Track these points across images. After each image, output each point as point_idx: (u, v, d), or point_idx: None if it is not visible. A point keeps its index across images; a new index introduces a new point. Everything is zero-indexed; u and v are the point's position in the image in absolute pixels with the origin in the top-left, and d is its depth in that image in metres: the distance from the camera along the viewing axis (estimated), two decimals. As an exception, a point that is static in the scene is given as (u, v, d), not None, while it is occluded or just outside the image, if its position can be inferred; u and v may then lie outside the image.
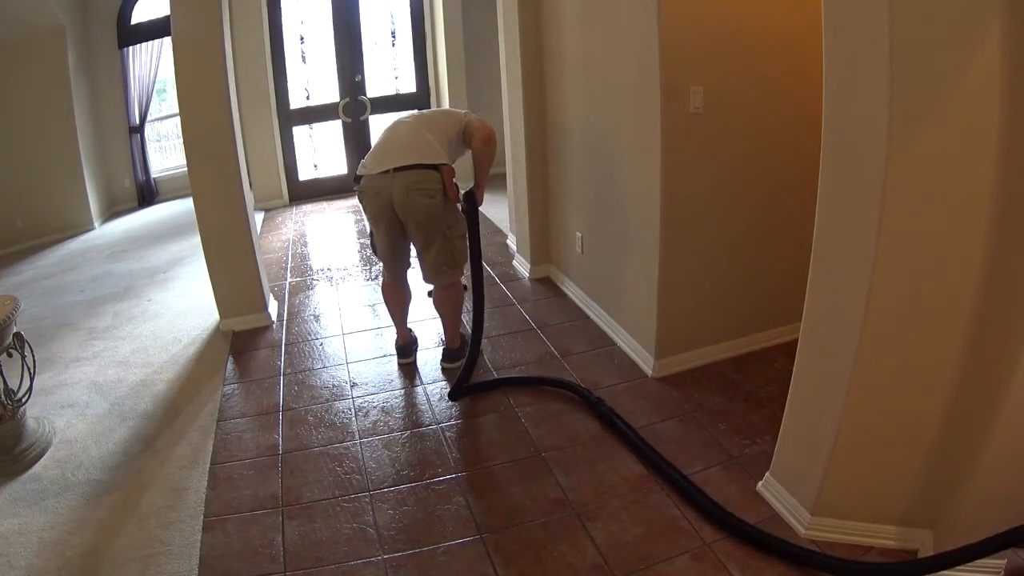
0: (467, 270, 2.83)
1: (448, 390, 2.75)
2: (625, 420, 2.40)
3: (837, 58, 1.56)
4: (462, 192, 2.66)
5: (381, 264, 2.86)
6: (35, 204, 5.44)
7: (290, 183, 6.06)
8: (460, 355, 2.93)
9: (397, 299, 2.93)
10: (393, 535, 1.99)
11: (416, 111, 2.82)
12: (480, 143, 2.67)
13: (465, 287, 2.91)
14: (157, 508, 2.15)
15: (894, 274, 1.54)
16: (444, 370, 2.92)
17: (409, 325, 3.06)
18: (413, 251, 2.78)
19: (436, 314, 2.95)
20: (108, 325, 3.67)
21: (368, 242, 2.87)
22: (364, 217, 5.00)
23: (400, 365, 2.99)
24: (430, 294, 2.92)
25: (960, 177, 1.47)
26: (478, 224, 2.73)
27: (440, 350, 3.06)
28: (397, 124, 2.74)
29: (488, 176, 2.79)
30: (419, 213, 2.54)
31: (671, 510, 2.01)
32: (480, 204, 2.76)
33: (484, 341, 3.13)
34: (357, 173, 2.63)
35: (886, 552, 1.80)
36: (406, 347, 3.00)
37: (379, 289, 3.80)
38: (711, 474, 2.14)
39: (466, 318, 3.18)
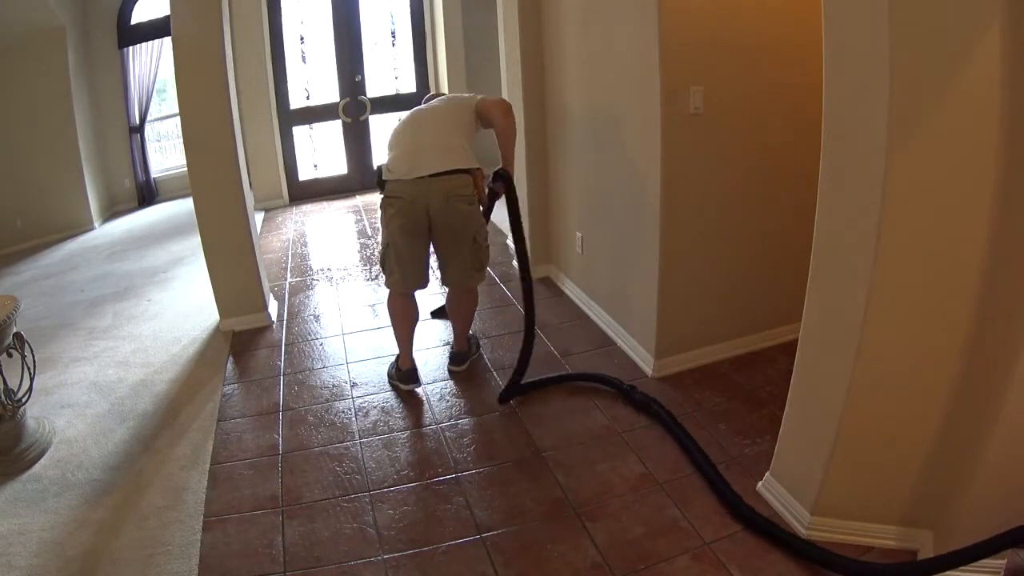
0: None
1: (500, 391, 2.67)
2: (664, 406, 2.45)
3: (837, 58, 1.56)
4: (492, 172, 2.58)
5: (391, 276, 2.63)
6: (35, 204, 5.44)
7: (290, 183, 6.06)
8: (467, 357, 2.91)
9: (408, 315, 2.73)
10: (393, 535, 1.99)
11: (433, 102, 2.72)
12: (501, 117, 2.58)
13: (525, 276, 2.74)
14: (157, 508, 2.15)
15: (894, 274, 1.54)
16: (451, 372, 2.89)
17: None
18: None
19: (414, 321, 2.80)
20: (108, 325, 3.67)
21: (379, 251, 2.70)
22: (370, 219, 4.94)
23: (404, 393, 2.75)
24: (435, 314, 2.88)
25: (960, 177, 1.47)
26: (517, 202, 2.62)
27: (440, 351, 3.07)
28: (420, 117, 2.62)
29: (514, 148, 2.68)
30: (458, 220, 2.50)
31: (671, 510, 2.01)
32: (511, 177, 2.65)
33: (484, 341, 3.13)
34: (383, 177, 2.51)
35: (886, 552, 1.80)
36: (413, 372, 2.76)
37: (379, 289, 3.83)
38: (711, 474, 2.14)
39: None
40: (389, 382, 2.84)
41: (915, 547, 1.79)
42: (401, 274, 2.60)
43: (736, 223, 2.65)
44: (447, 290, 2.84)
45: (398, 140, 2.58)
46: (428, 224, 2.50)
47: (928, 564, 1.61)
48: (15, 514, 2.16)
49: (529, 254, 2.73)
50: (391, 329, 2.82)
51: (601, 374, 2.72)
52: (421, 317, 2.84)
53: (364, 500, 2.14)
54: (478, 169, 2.52)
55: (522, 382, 2.67)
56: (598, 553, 1.87)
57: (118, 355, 3.28)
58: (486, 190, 2.59)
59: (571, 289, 3.55)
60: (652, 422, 2.43)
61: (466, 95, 2.73)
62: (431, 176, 2.43)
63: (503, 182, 2.59)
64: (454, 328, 2.93)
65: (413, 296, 2.72)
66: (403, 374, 2.76)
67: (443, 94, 2.93)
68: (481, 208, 2.62)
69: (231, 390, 2.87)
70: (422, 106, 2.72)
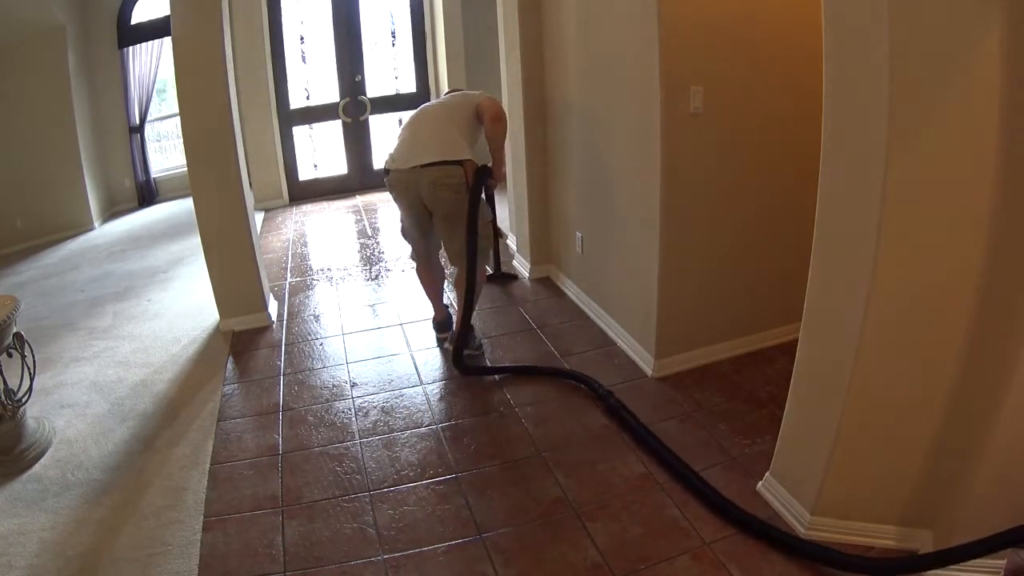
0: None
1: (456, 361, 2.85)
2: (633, 413, 2.43)
3: (837, 57, 1.56)
4: (477, 168, 2.76)
5: (410, 248, 3.03)
6: (35, 204, 5.44)
7: (290, 183, 6.06)
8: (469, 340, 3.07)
9: (430, 279, 3.09)
10: (393, 535, 1.99)
11: (442, 97, 3.03)
12: (489, 122, 2.81)
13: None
14: (157, 508, 2.15)
15: (894, 274, 1.54)
16: (439, 341, 3.12)
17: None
18: None
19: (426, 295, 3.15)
20: (108, 325, 3.66)
21: (398, 229, 3.10)
22: (370, 219, 5.08)
23: (439, 340, 3.15)
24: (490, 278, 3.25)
25: (960, 176, 1.47)
26: (479, 194, 2.76)
27: (440, 350, 3.08)
28: (423, 114, 2.89)
29: (503, 151, 2.93)
30: (445, 206, 2.74)
31: (671, 510, 2.01)
32: (500, 180, 2.93)
33: (485, 342, 3.13)
34: (385, 166, 2.81)
35: (886, 552, 1.80)
36: (443, 322, 3.14)
37: (379, 288, 3.86)
38: (711, 474, 2.13)
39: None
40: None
41: (915, 547, 1.79)
42: (413, 246, 3.00)
43: (736, 223, 2.65)
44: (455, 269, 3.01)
45: (401, 132, 2.88)
46: (426, 207, 2.78)
47: (926, 559, 1.62)
48: (15, 514, 2.16)
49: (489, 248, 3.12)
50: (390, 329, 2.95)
51: (575, 372, 2.76)
52: (422, 317, 3.03)
53: (364, 500, 2.14)
54: (468, 160, 2.72)
55: (507, 366, 2.88)
56: (598, 553, 1.87)
57: (118, 355, 3.28)
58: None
59: (571, 289, 3.55)
60: (662, 419, 2.42)
61: (474, 92, 2.97)
62: (422, 166, 2.68)
63: (476, 177, 2.74)
64: (458, 307, 2.99)
65: (432, 262, 3.05)
66: (435, 325, 3.18)
67: (459, 90, 3.15)
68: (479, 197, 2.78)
69: (231, 390, 2.87)
70: (431, 101, 3.02)
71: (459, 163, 2.69)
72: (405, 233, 2.99)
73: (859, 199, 1.55)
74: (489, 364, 2.95)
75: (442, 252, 3.04)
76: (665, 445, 2.24)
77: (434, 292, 3.11)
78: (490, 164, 2.85)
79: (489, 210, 2.90)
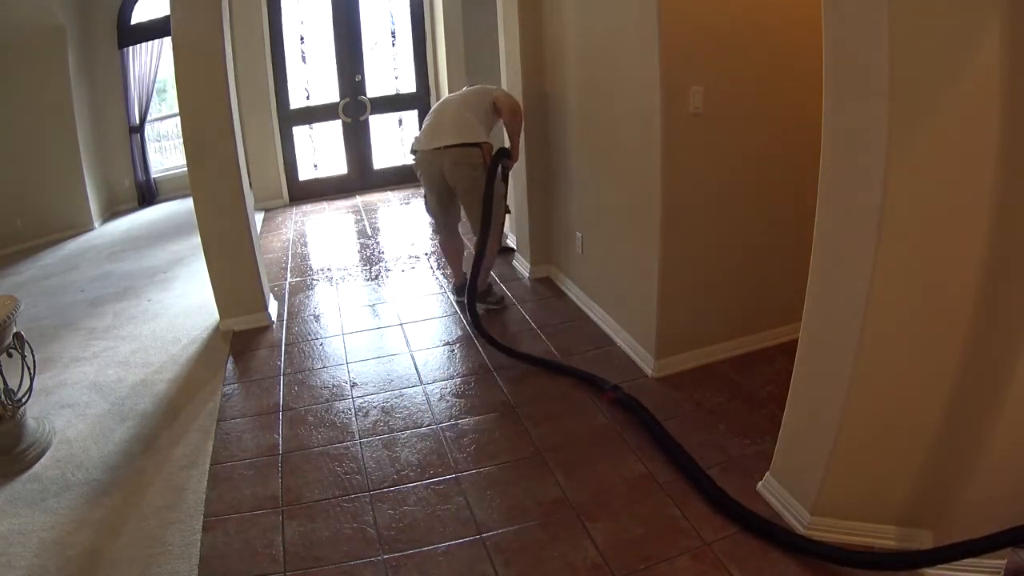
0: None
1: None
2: (644, 406, 2.44)
3: (837, 58, 1.56)
4: (496, 149, 3.16)
5: (433, 221, 3.51)
6: (35, 204, 5.43)
7: (290, 183, 6.06)
8: (484, 298, 3.43)
9: (451, 250, 3.57)
10: (393, 535, 1.99)
11: (463, 90, 3.39)
12: (507, 115, 3.21)
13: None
14: (157, 508, 2.15)
15: (894, 274, 1.54)
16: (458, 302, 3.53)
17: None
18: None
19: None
20: (108, 325, 3.67)
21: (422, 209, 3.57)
22: (370, 219, 5.11)
23: (456, 302, 3.57)
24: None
25: (960, 176, 1.47)
26: (496, 172, 3.16)
27: (440, 350, 3.07)
28: (446, 103, 3.31)
29: (520, 137, 3.34)
30: (465, 182, 3.15)
31: (671, 510, 2.01)
32: (516, 160, 3.34)
33: (484, 340, 3.13)
34: (412, 148, 3.28)
35: (886, 552, 1.80)
36: (461, 287, 3.54)
37: (379, 288, 3.89)
38: (711, 474, 2.13)
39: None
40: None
41: (915, 547, 1.78)
42: (435, 220, 3.46)
43: (736, 223, 2.65)
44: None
45: (426, 120, 3.30)
46: (447, 184, 3.19)
47: (927, 555, 1.62)
48: (15, 514, 2.16)
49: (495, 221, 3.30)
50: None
51: (578, 369, 2.77)
52: (422, 317, 3.15)
53: (364, 500, 2.14)
54: (486, 142, 3.12)
55: (516, 351, 2.97)
56: (598, 553, 1.87)
57: (118, 355, 3.28)
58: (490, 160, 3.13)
59: (571, 289, 3.55)
60: (662, 419, 2.41)
61: (491, 86, 3.37)
62: (444, 147, 3.10)
63: (495, 157, 3.14)
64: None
65: (451, 234, 3.49)
66: (454, 289, 3.64)
67: (479, 85, 3.46)
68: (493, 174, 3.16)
69: (231, 390, 2.88)
70: (452, 93, 3.46)
71: (477, 145, 3.09)
72: (428, 208, 3.44)
73: (859, 198, 1.55)
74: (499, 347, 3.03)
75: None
76: (674, 439, 2.25)
77: (454, 260, 3.58)
78: (507, 146, 3.24)
79: (504, 187, 3.29)
